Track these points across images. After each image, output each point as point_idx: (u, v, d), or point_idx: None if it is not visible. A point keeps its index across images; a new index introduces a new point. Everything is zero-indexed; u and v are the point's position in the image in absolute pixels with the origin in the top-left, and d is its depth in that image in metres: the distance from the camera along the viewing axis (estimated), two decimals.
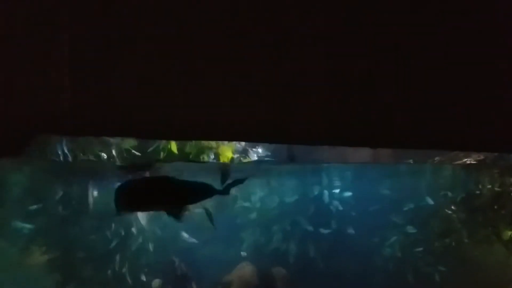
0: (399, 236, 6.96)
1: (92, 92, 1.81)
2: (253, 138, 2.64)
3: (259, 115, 2.09)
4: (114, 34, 1.81)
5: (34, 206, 6.05)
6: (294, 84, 2.09)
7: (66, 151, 4.05)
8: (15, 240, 6.10)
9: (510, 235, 6.78)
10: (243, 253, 6.73)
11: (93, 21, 1.79)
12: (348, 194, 6.89)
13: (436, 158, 5.76)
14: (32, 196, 6.13)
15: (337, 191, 6.93)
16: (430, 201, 6.97)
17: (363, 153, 4.84)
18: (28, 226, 6.14)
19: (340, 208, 6.80)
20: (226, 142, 4.77)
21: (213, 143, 4.81)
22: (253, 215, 6.85)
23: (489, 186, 6.97)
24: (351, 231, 6.76)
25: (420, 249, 6.91)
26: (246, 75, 2.00)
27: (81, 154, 4.34)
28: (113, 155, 4.49)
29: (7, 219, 6.01)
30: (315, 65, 2.12)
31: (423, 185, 7.11)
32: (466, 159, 5.67)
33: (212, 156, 4.89)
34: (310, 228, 6.65)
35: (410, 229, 6.91)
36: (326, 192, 6.85)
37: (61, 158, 4.01)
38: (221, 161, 4.87)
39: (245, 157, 5.13)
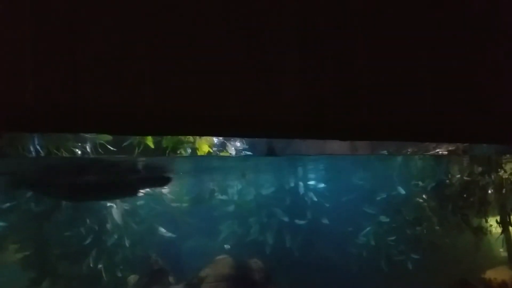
0: (372, 225, 7.12)
1: (58, 84, 1.73)
2: (227, 133, 2.62)
3: (233, 109, 2.07)
4: (81, 18, 1.75)
5: (7, 204, 5.92)
6: (268, 77, 2.09)
7: (38, 147, 3.97)
8: None
9: (479, 222, 7.04)
10: (226, 246, 6.76)
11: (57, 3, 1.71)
12: (322, 185, 7.01)
13: (409, 149, 5.91)
14: (4, 194, 5.99)
15: (312, 182, 7.03)
16: (402, 191, 7.15)
17: (341, 145, 4.91)
18: (0, 223, 6.01)
19: (315, 199, 6.90)
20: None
21: (190, 137, 4.79)
22: (231, 208, 6.87)
23: (459, 176, 7.20)
24: (325, 221, 6.87)
25: (393, 237, 7.09)
26: (219, 66, 1.97)
27: (55, 150, 4.26)
28: (87, 150, 4.43)
29: None
30: (289, 58, 2.12)
31: (396, 175, 7.28)
32: (438, 150, 5.83)
33: (189, 150, 4.87)
34: (286, 219, 6.73)
35: (383, 218, 7.08)
36: (301, 184, 6.93)
37: (34, 154, 3.93)
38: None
39: (222, 151, 5.13)
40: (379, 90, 2.32)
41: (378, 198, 7.17)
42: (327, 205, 7.04)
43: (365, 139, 3.30)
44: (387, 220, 7.06)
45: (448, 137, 2.94)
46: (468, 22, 2.55)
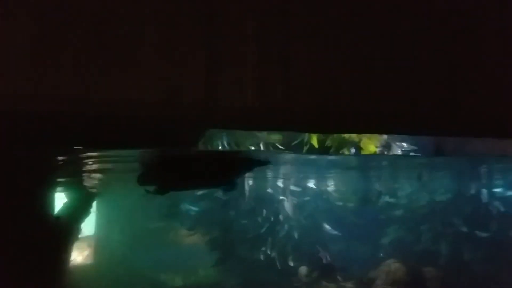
0: None
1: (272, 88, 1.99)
2: (395, 130, 2.57)
3: (400, 106, 2.10)
4: None
5: (200, 192, 6.92)
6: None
7: (225, 144, 4.57)
8: (184, 221, 7.10)
9: None
10: (388, 251, 6.56)
11: None
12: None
13: None
14: None
15: (499, 189, 6.22)
16: None
17: None
18: (194, 208, 7.07)
19: (502, 208, 6.08)
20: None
21: (354, 136, 4.81)
22: (400, 212, 6.60)
23: None
24: None
25: None
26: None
27: (235, 147, 4.82)
28: (261, 148, 4.89)
29: (178, 202, 7.03)
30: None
31: None
32: None
33: (353, 150, 4.90)
34: (465, 229, 6.11)
35: None
36: (484, 190, 6.20)
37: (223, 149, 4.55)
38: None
39: (387, 151, 5.01)
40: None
41: None
42: None
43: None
44: None
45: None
46: None
